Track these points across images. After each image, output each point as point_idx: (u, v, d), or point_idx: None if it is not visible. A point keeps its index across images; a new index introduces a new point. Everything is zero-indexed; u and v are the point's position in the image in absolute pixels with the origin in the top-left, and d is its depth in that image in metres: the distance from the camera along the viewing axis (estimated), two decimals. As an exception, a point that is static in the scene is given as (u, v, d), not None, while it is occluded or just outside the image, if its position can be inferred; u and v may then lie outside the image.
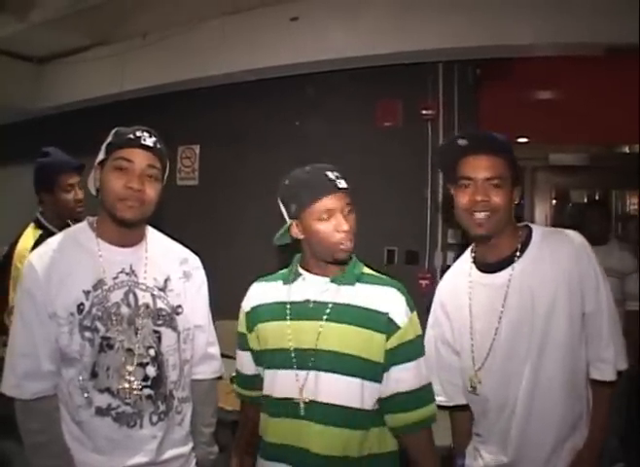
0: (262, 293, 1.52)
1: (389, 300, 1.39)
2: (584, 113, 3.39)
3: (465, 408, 1.62)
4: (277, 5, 3.84)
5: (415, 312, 1.44)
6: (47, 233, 2.17)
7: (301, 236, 1.42)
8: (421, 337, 1.46)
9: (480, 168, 1.44)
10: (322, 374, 1.36)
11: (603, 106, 3.32)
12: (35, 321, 1.36)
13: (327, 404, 1.35)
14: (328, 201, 1.37)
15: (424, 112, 3.73)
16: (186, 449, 1.52)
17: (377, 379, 1.38)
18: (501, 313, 1.49)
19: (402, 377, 1.38)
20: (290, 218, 1.43)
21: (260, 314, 1.49)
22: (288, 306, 1.44)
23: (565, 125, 3.50)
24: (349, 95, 4.00)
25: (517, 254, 1.50)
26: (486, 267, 1.55)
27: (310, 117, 4.11)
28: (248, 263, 4.32)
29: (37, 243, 2.17)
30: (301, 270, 1.47)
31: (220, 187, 4.55)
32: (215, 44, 4.05)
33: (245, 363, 1.56)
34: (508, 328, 1.48)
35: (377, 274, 1.49)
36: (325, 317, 1.38)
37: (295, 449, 1.37)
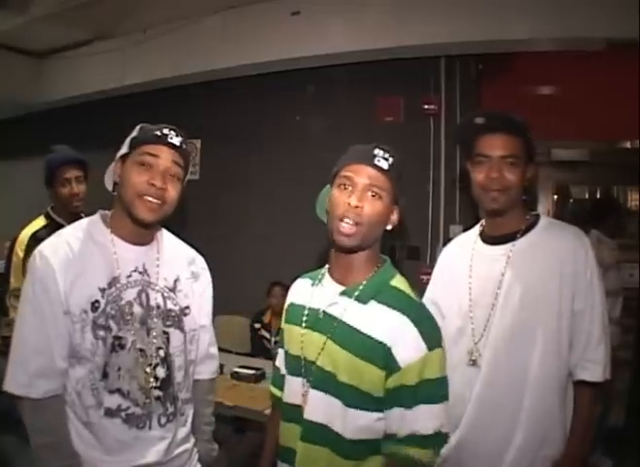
0: (297, 291, 1.46)
1: (397, 331, 1.21)
2: (585, 108, 3.38)
3: None
4: (278, -1, 3.83)
5: (438, 350, 1.22)
6: (53, 225, 2.31)
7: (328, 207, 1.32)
8: (434, 382, 1.20)
9: (495, 147, 1.49)
10: (318, 392, 1.29)
11: (605, 101, 3.30)
12: (50, 317, 1.30)
13: (319, 424, 1.28)
14: (353, 169, 1.26)
15: (426, 107, 3.73)
16: (189, 445, 1.52)
17: (367, 408, 1.24)
18: (498, 290, 1.52)
19: (400, 421, 1.21)
20: (330, 183, 1.33)
21: (289, 314, 1.44)
22: (306, 312, 1.36)
23: (567, 121, 3.49)
24: (350, 90, 3.99)
25: (519, 235, 1.54)
26: (490, 239, 1.60)
27: (311, 112, 4.11)
28: (249, 258, 4.33)
29: (37, 232, 2.33)
30: (325, 274, 1.38)
31: (221, 181, 4.55)
32: (216, 38, 4.05)
33: (282, 360, 1.47)
34: (499, 306, 1.51)
35: (403, 291, 1.30)
36: (329, 334, 1.28)
37: (294, 453, 1.32)
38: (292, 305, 1.44)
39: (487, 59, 3.62)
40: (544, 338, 1.46)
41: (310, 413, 1.29)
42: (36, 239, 2.25)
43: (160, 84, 4.46)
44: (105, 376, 1.33)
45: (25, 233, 2.37)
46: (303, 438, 1.29)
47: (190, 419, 1.51)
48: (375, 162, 1.25)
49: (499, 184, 1.48)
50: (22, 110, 5.50)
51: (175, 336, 1.44)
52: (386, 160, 1.26)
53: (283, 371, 1.44)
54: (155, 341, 1.39)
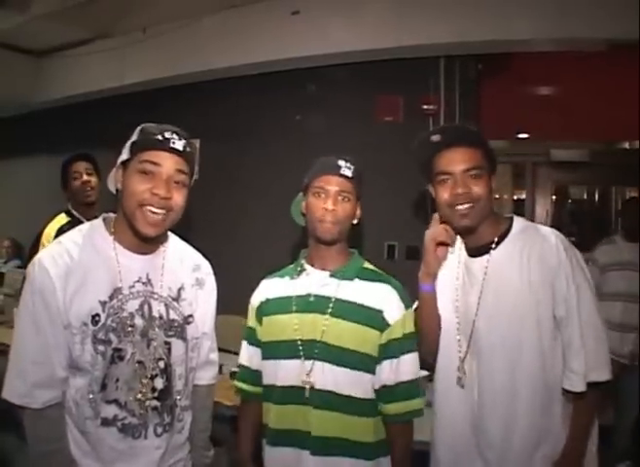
0: (269, 288, 1.64)
1: (384, 297, 1.51)
2: (585, 109, 3.39)
3: None
4: (278, -1, 3.83)
5: (411, 309, 1.56)
6: (74, 222, 2.54)
7: (304, 211, 1.57)
8: (411, 334, 1.53)
9: (456, 161, 1.45)
10: (325, 364, 1.48)
11: (604, 102, 3.31)
12: (49, 329, 1.27)
13: (329, 391, 1.47)
14: (325, 179, 1.51)
15: (425, 107, 3.71)
16: (184, 453, 1.50)
17: (373, 371, 1.50)
18: (477, 305, 1.49)
19: (389, 371, 1.49)
20: (303, 192, 1.59)
21: (267, 308, 1.61)
22: (294, 300, 1.55)
23: (566, 121, 3.50)
24: (350, 90, 3.98)
25: (493, 245, 1.50)
26: (469, 250, 1.56)
27: (311, 111, 4.10)
28: (250, 257, 4.32)
29: (62, 227, 2.55)
30: (305, 265, 1.59)
31: (220, 181, 4.54)
32: (216, 37, 4.05)
33: (253, 357, 1.64)
34: (480, 321, 1.49)
35: (376, 270, 1.60)
36: (329, 311, 1.50)
37: (299, 433, 1.48)
38: (268, 300, 1.62)
39: (487, 59, 3.62)
40: (527, 348, 1.43)
41: (320, 384, 1.47)
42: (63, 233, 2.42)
43: (159, 83, 4.45)
44: (103, 387, 1.30)
45: (52, 227, 2.58)
46: (317, 407, 1.47)
47: (187, 426, 1.48)
48: (342, 172, 1.51)
49: (466, 198, 1.43)
50: (21, 109, 5.49)
51: (177, 345, 1.40)
52: (349, 168, 1.52)
53: (255, 366, 1.63)
54: (155, 352, 1.35)
